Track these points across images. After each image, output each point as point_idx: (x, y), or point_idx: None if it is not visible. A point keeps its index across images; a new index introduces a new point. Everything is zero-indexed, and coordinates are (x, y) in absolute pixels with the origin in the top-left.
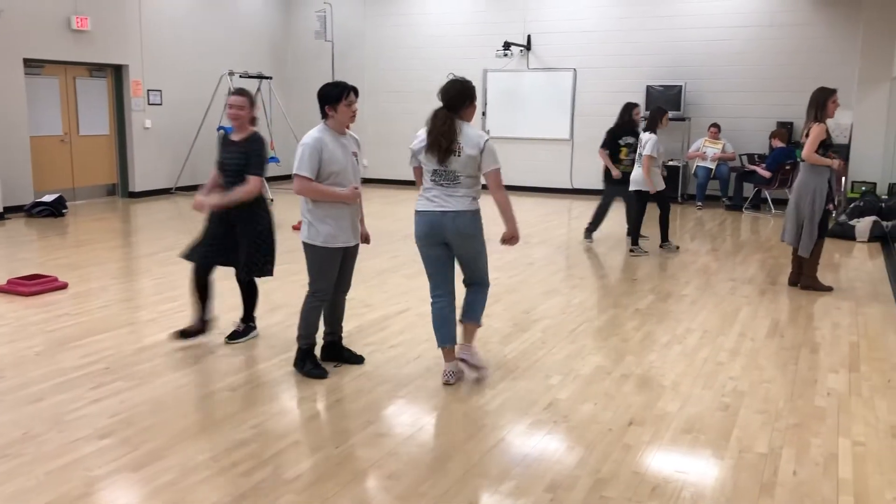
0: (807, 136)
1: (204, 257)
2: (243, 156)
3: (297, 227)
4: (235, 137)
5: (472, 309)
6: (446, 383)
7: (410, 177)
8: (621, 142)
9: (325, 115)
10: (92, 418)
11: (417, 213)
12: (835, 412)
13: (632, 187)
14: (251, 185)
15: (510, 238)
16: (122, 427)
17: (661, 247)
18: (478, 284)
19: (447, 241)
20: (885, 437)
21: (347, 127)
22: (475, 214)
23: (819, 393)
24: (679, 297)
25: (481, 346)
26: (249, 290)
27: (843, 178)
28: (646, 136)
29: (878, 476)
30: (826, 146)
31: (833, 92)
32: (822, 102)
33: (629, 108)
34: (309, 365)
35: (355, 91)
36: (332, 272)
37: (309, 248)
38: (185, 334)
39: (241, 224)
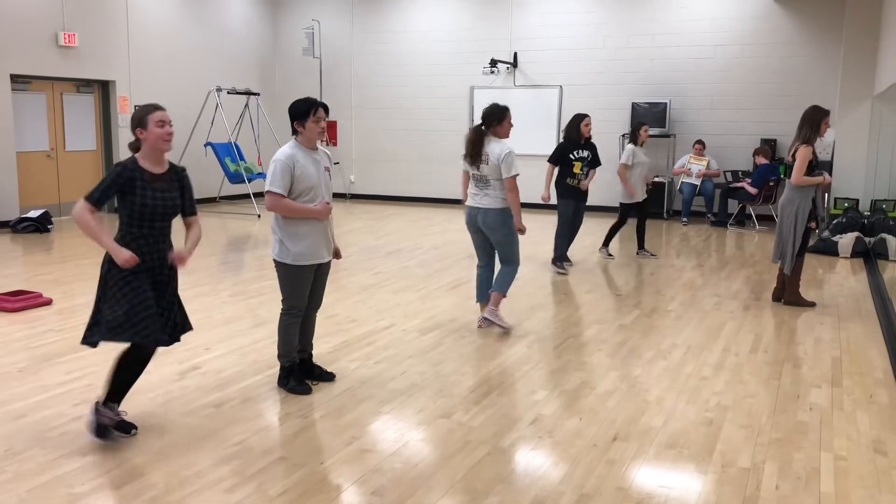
0: (793, 156)
1: (163, 332)
2: (179, 192)
3: None
4: (160, 170)
5: (498, 281)
6: (479, 327)
7: (396, 192)
8: (572, 156)
9: (295, 132)
10: (75, 435)
11: (467, 206)
12: (817, 427)
13: (621, 199)
14: (199, 225)
15: (518, 229)
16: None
17: (637, 254)
18: (506, 262)
19: (481, 230)
20: (866, 451)
21: (326, 142)
22: (502, 212)
23: (802, 408)
24: (664, 313)
25: (467, 360)
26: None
27: (826, 195)
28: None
29: (859, 490)
30: (812, 166)
31: (827, 113)
32: (815, 122)
33: (577, 120)
34: (293, 382)
35: (325, 107)
36: (304, 289)
37: (280, 266)
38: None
39: (174, 278)
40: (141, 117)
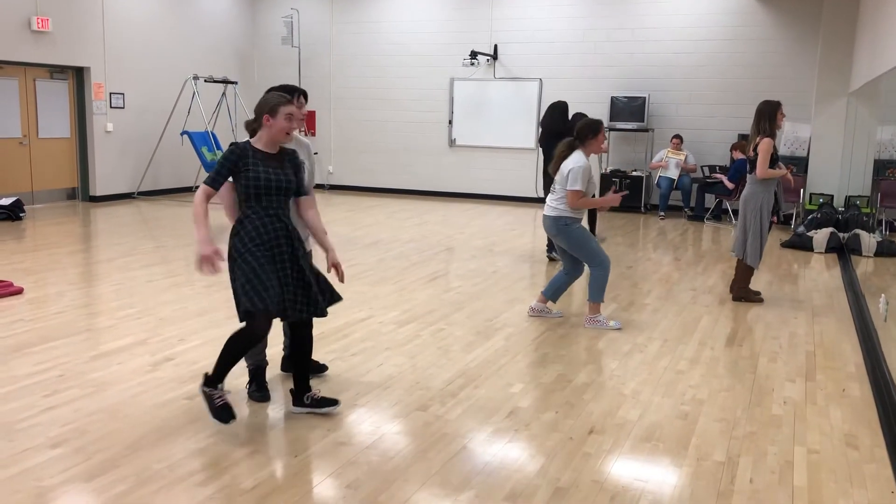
0: (754, 150)
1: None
2: (292, 172)
3: None
4: (272, 151)
5: (589, 288)
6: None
7: (375, 184)
8: None
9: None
10: (44, 427)
11: None
12: (791, 420)
13: None
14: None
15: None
16: (75, 436)
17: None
18: (591, 267)
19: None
20: (839, 445)
21: (304, 132)
22: (555, 220)
23: (776, 401)
24: (641, 306)
25: (444, 353)
26: None
27: (802, 190)
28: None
29: (831, 484)
30: (773, 159)
31: (779, 104)
32: (771, 114)
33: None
34: (253, 386)
35: (303, 94)
36: None
37: None
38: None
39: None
40: (273, 105)
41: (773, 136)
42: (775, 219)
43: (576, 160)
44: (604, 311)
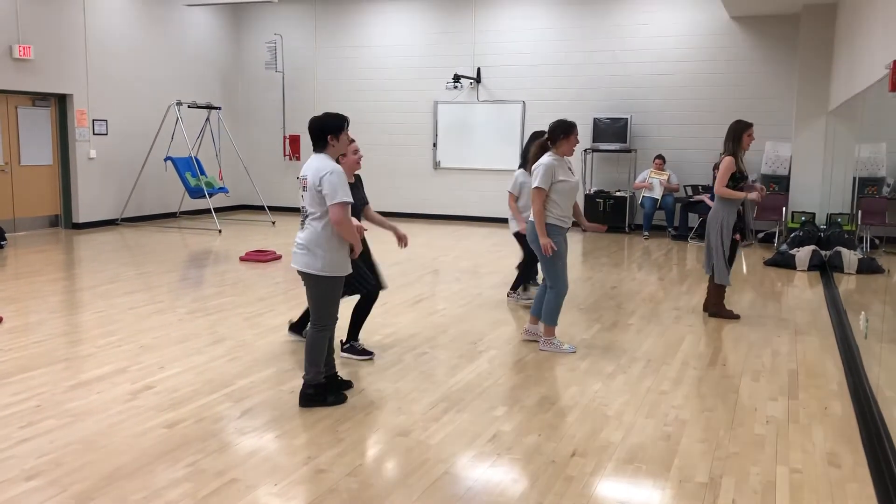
0: (717, 168)
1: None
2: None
3: (244, 259)
4: None
5: (544, 309)
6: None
7: None
8: None
9: (322, 146)
10: (19, 459)
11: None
12: (773, 440)
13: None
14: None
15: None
16: (50, 468)
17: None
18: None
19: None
20: (821, 464)
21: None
22: (532, 224)
23: (759, 421)
24: (624, 327)
25: (427, 377)
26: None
27: (784, 209)
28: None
29: (814, 503)
30: (737, 179)
31: (749, 125)
32: (738, 135)
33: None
34: (332, 397)
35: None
36: (339, 300)
37: (327, 281)
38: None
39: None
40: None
41: (735, 155)
42: (738, 236)
43: (543, 160)
44: (587, 332)
